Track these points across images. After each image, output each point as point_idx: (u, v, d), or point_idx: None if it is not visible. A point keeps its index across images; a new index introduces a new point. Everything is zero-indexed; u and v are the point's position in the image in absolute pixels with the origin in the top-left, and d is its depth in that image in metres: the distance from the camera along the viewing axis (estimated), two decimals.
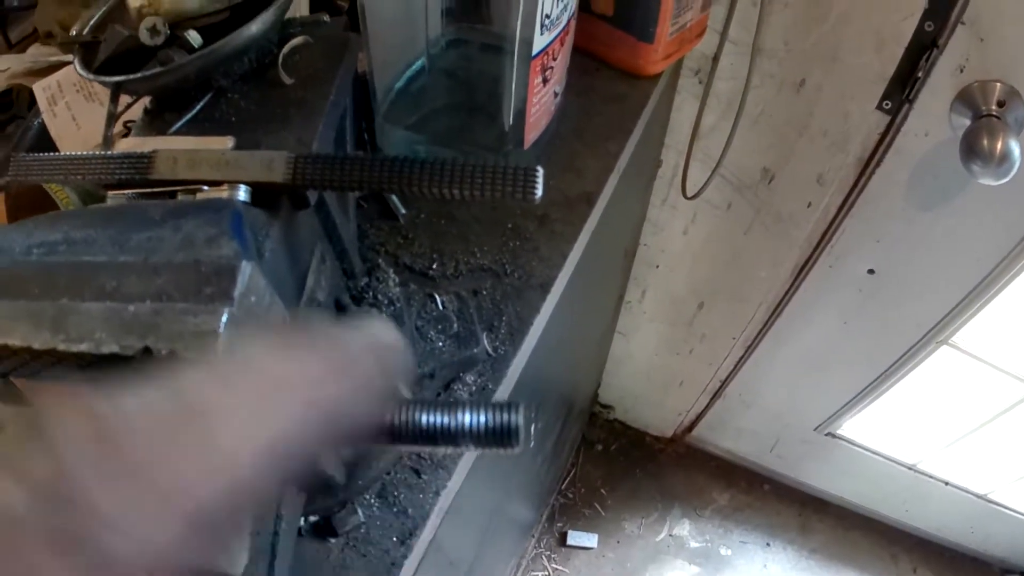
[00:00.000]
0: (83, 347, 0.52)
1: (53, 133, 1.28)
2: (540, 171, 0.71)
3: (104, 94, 1.24)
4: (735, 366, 3.04)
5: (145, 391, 0.36)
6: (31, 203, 1.21)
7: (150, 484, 0.33)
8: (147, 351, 0.51)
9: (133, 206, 0.74)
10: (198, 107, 0.90)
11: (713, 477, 3.87)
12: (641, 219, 2.51)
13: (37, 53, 1.51)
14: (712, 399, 3.39)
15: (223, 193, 0.74)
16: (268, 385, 0.39)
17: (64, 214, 0.79)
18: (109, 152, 0.75)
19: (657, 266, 2.74)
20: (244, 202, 0.74)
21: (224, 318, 0.51)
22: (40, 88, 1.31)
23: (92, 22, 1.00)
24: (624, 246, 2.43)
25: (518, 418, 0.50)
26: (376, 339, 0.47)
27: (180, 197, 0.76)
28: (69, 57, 1.36)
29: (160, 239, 0.61)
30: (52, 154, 0.78)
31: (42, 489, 0.32)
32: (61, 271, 0.58)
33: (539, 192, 0.71)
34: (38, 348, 0.53)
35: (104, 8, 1.01)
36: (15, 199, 1.23)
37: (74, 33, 0.99)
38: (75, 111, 1.29)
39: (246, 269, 0.55)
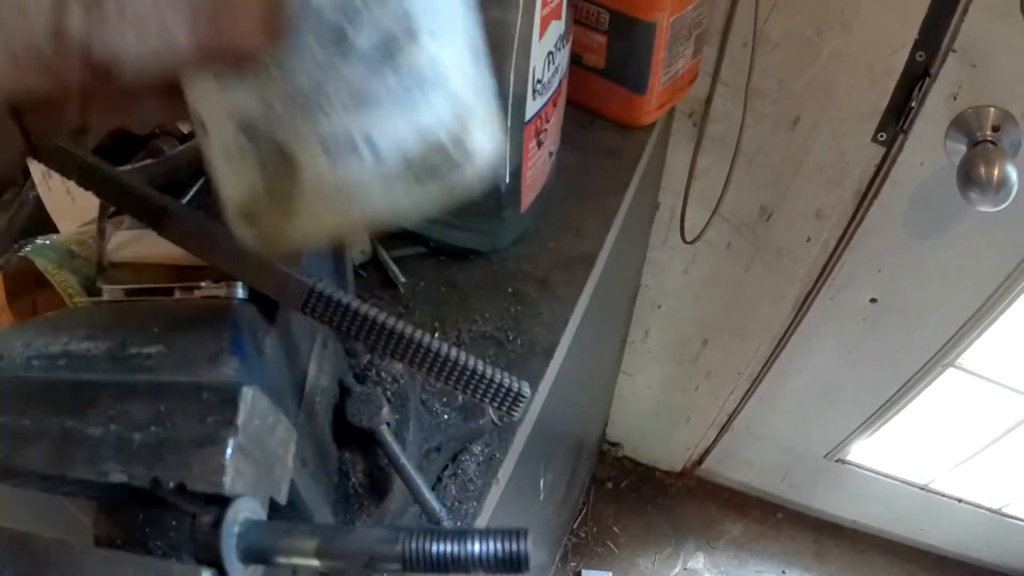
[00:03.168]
0: (91, 476, 0.52)
1: (49, 207, 1.27)
2: (528, 397, 0.72)
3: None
4: (741, 400, 3.03)
5: None
6: (29, 284, 1.20)
7: None
8: (156, 481, 0.50)
9: (130, 311, 0.73)
10: (191, 194, 0.89)
11: (725, 509, 3.85)
12: (641, 262, 2.51)
13: None
14: (720, 433, 3.38)
15: (220, 291, 0.73)
16: None
17: (62, 320, 0.78)
18: (127, 182, 0.74)
19: (659, 306, 2.74)
20: (242, 299, 0.73)
21: (230, 449, 0.51)
22: (34, 162, 1.30)
23: None
24: (626, 291, 2.42)
25: (525, 546, 0.49)
26: None
27: (177, 295, 0.75)
28: None
29: (160, 358, 0.60)
30: (78, 155, 0.76)
31: None
32: (63, 391, 0.58)
33: (519, 415, 0.71)
34: (48, 473, 0.53)
35: None
36: (12, 279, 1.22)
37: None
38: (69, 184, 1.28)
39: (247, 395, 0.54)
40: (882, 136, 1.80)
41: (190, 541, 0.50)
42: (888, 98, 1.73)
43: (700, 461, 3.72)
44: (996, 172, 1.55)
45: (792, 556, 3.73)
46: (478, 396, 0.71)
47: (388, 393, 1.02)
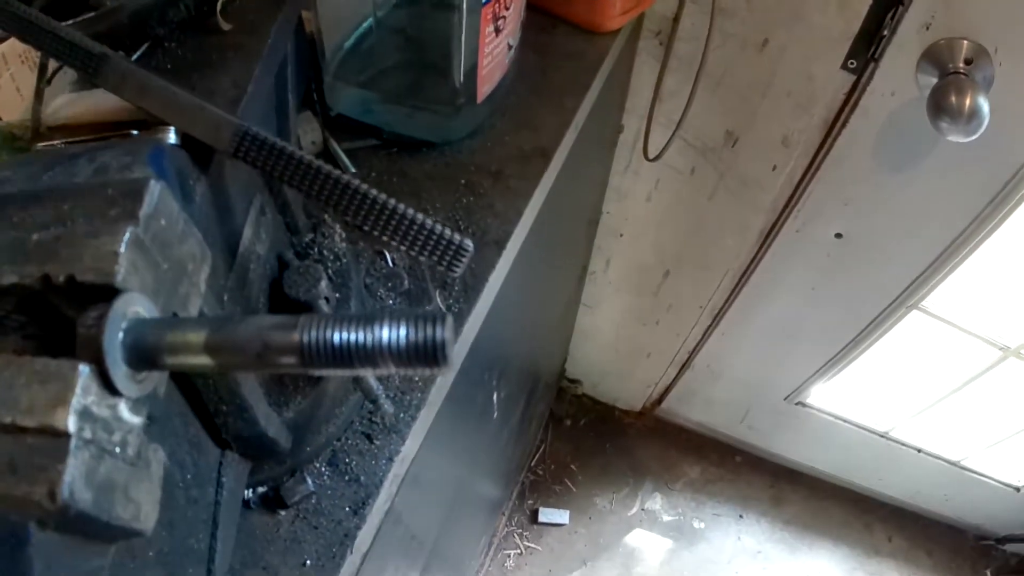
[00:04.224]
0: None
1: None
2: (470, 251, 0.69)
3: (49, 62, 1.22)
4: (703, 336, 3.03)
5: None
6: None
7: None
8: (46, 278, 0.48)
9: (57, 149, 0.71)
10: (134, 57, 0.87)
11: (684, 450, 3.88)
12: (603, 186, 2.50)
13: None
14: (680, 370, 3.38)
15: (152, 135, 0.71)
16: None
17: None
18: (63, 32, 0.72)
19: (621, 234, 2.72)
20: (173, 144, 0.70)
21: (126, 237, 0.48)
22: None
23: None
24: (586, 213, 2.41)
25: (443, 331, 0.45)
26: None
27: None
28: None
29: (74, 171, 0.58)
30: (14, 6, 0.74)
31: None
32: None
33: (460, 270, 0.69)
34: None
35: None
36: None
37: None
38: (19, 82, 1.27)
39: (155, 189, 0.51)
40: (852, 63, 1.78)
41: (72, 338, 0.47)
42: (859, 24, 1.71)
43: (660, 400, 3.73)
44: (967, 102, 1.53)
45: (749, 500, 3.76)
46: (416, 249, 0.69)
47: (330, 271, 1.00)
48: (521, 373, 2.26)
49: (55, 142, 0.78)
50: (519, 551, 3.53)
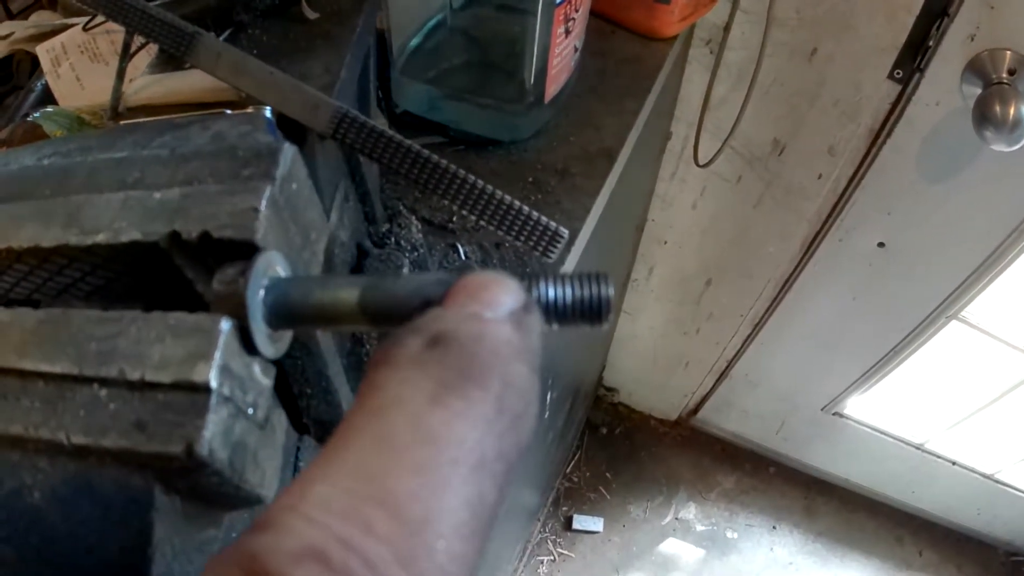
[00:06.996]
0: (99, 238, 0.49)
1: (57, 94, 1.27)
2: (565, 237, 0.70)
3: (109, 53, 1.23)
4: (742, 345, 3.03)
5: (335, 494, 0.32)
6: None
7: None
8: (175, 236, 0.48)
9: (159, 120, 0.72)
10: (221, 39, 0.89)
11: (718, 460, 3.87)
12: (650, 193, 2.51)
13: (40, 19, 1.50)
14: (718, 380, 3.38)
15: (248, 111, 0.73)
16: (452, 458, 0.34)
17: (78, 134, 0.77)
18: (155, 10, 0.73)
19: (665, 242, 2.73)
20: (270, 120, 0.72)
21: (267, 194, 0.48)
22: (44, 50, 1.30)
23: None
24: (634, 219, 2.41)
25: (608, 288, 0.45)
26: (519, 314, 0.41)
27: None
28: (73, 20, 1.35)
29: (187, 137, 0.57)
30: None
31: None
32: (77, 170, 0.55)
33: (556, 256, 0.69)
34: (47, 246, 0.50)
35: None
36: (19, 145, 1.21)
37: None
38: (79, 71, 1.28)
39: (288, 151, 0.51)
40: (898, 73, 1.79)
41: (209, 295, 0.46)
42: (906, 34, 1.72)
43: (696, 410, 3.73)
44: (1012, 111, 1.56)
45: (782, 511, 3.75)
46: (514, 234, 0.70)
47: (408, 261, 1.01)
48: (569, 376, 2.27)
49: (137, 121, 0.80)
50: (552, 558, 3.53)
